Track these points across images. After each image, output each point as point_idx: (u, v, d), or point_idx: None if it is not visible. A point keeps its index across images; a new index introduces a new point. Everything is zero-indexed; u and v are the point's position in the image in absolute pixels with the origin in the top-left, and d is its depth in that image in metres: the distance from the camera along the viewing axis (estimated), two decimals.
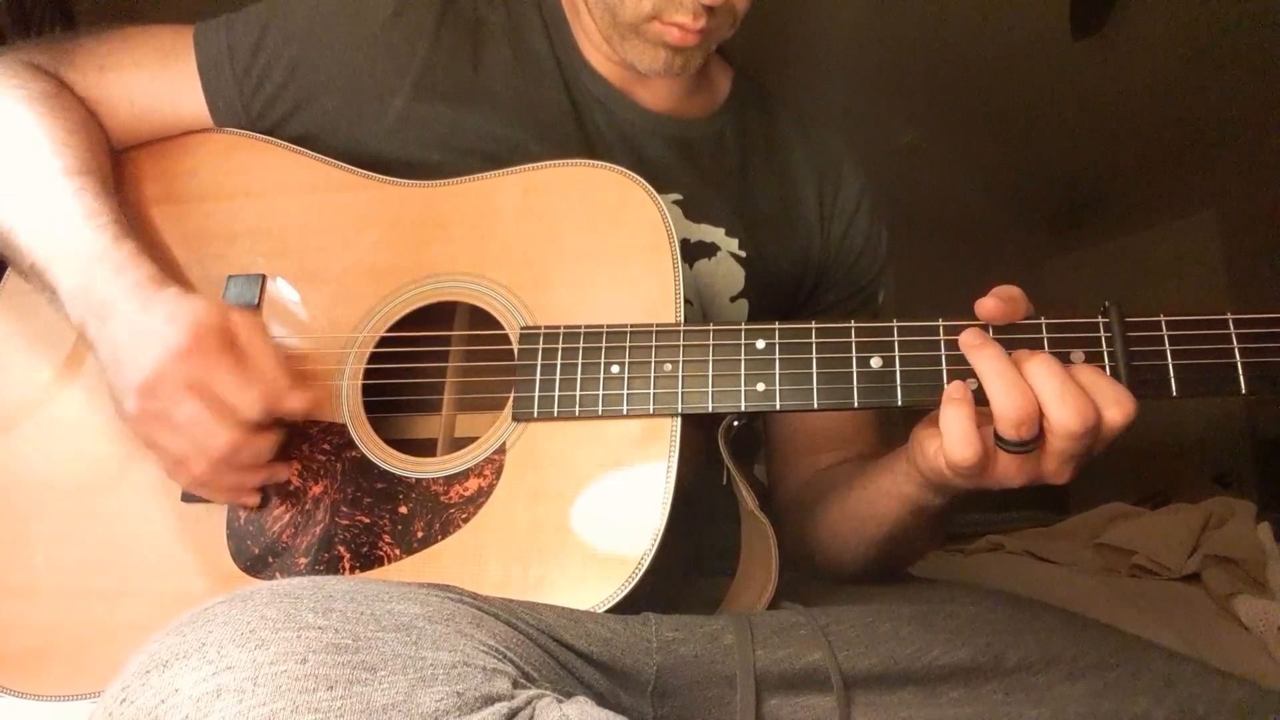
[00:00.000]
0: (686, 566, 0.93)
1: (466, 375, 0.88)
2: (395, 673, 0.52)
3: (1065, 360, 0.70)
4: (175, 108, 0.97)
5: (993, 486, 0.71)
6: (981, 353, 0.69)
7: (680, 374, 0.78)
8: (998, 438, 0.68)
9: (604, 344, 0.80)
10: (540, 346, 0.81)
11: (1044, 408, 0.66)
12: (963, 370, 0.71)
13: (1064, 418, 0.66)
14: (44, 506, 0.86)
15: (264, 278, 0.89)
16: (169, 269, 0.87)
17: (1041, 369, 0.67)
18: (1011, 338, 0.71)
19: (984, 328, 0.72)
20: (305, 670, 0.50)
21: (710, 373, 0.77)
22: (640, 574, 0.74)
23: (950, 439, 0.68)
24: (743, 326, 0.78)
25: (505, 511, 0.78)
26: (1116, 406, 0.66)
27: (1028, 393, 0.67)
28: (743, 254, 0.99)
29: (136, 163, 0.97)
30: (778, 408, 0.76)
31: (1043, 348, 0.70)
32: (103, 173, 0.90)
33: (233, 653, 0.51)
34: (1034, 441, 0.67)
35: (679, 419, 0.78)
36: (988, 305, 0.71)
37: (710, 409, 0.77)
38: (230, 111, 0.97)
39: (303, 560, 0.81)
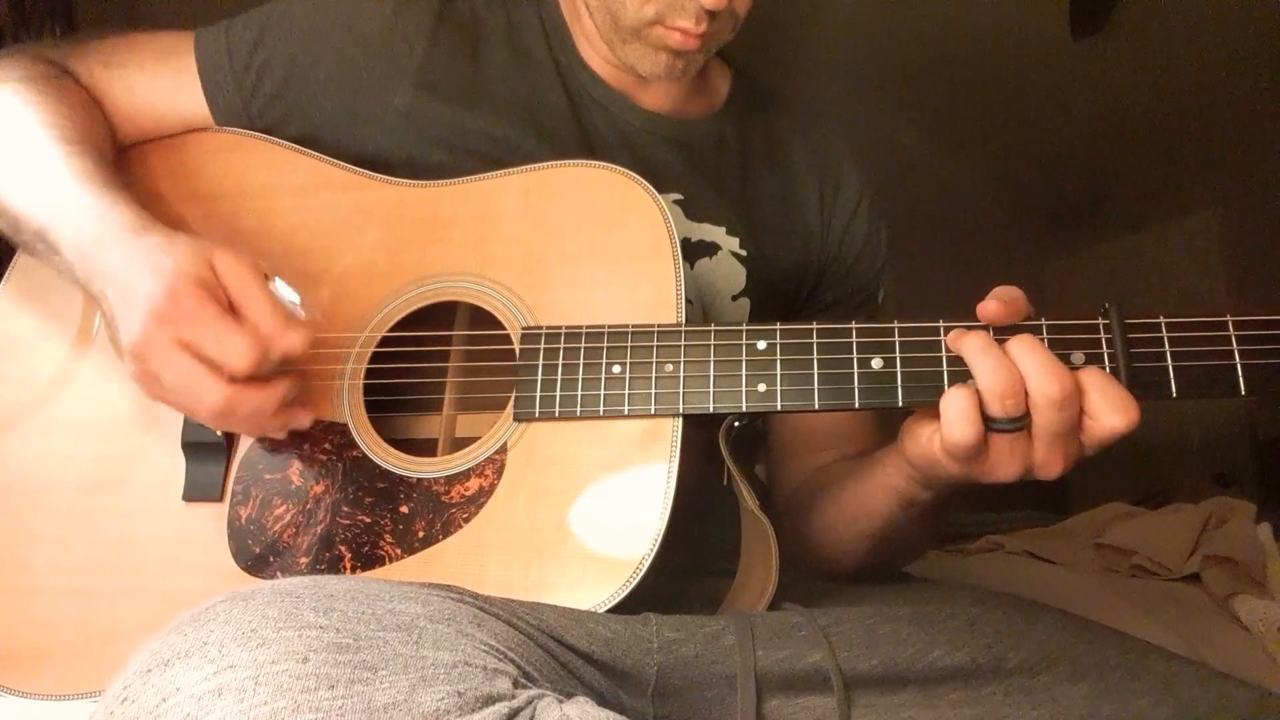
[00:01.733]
0: (687, 567, 0.93)
1: (468, 375, 0.88)
2: (396, 672, 0.52)
3: (1066, 361, 0.70)
4: (175, 106, 0.97)
5: (985, 479, 0.72)
6: (966, 339, 0.71)
7: (681, 374, 0.78)
8: (986, 419, 0.69)
9: (605, 344, 0.80)
10: (542, 347, 0.81)
11: (1025, 380, 0.68)
12: (963, 372, 0.71)
13: (1043, 386, 0.67)
14: (45, 505, 0.86)
15: (265, 277, 0.89)
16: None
17: (1023, 345, 0.69)
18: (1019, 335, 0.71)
19: (985, 329, 0.72)
20: (306, 669, 0.50)
21: (711, 373, 0.77)
22: (641, 574, 0.74)
23: (949, 418, 0.69)
24: (744, 327, 0.78)
25: (506, 511, 0.78)
26: (1121, 414, 0.67)
27: (1011, 367, 0.68)
28: (744, 253, 0.99)
29: (138, 161, 0.97)
30: (779, 408, 0.76)
31: (1120, 385, 0.70)
32: (98, 144, 0.90)
33: (234, 652, 0.51)
34: (1021, 419, 0.68)
35: (680, 419, 0.78)
36: (989, 307, 0.72)
37: (711, 409, 0.77)
38: (230, 110, 0.97)
39: (304, 560, 0.81)
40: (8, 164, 0.87)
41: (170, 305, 0.73)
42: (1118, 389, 0.68)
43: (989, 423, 0.69)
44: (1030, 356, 0.68)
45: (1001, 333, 0.72)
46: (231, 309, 0.75)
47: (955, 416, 0.69)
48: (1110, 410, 0.67)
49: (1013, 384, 0.68)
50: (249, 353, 0.74)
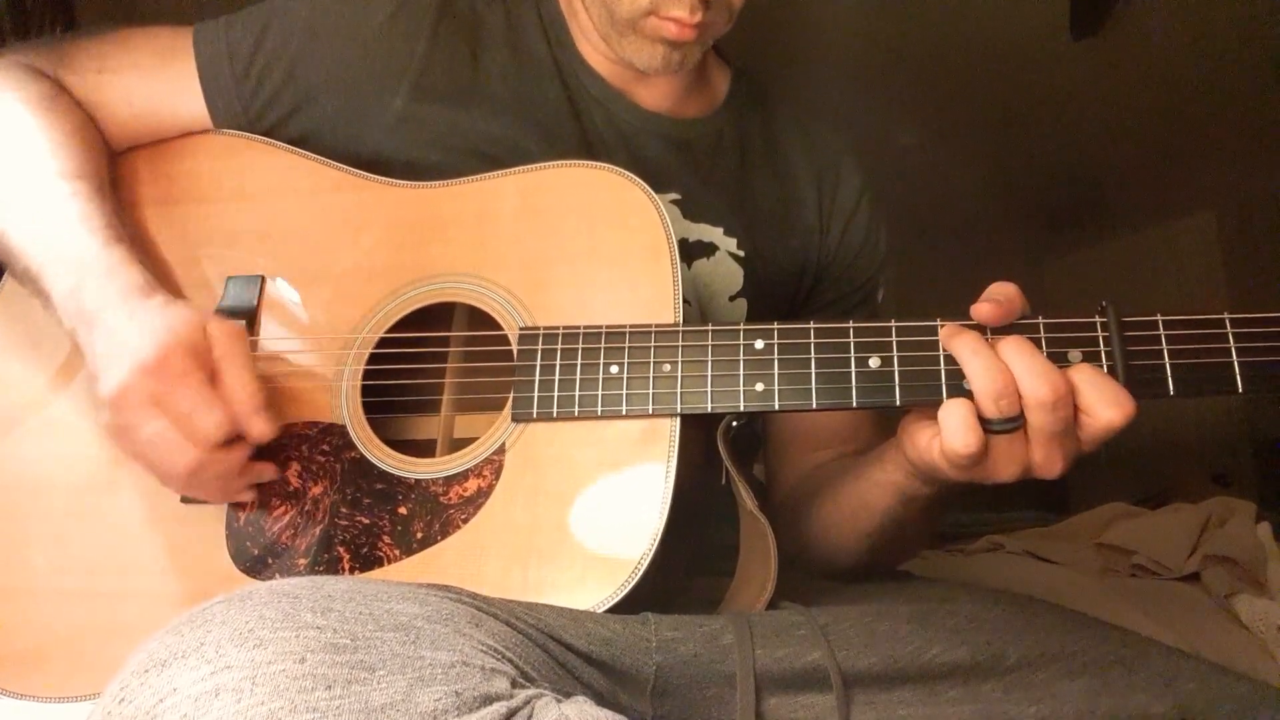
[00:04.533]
0: (686, 566, 0.93)
1: (466, 376, 0.88)
2: (394, 672, 0.52)
3: (1063, 360, 0.70)
4: (174, 109, 0.97)
5: (985, 480, 0.72)
6: (959, 339, 0.71)
7: (679, 374, 0.78)
8: (982, 421, 0.69)
9: (603, 344, 0.80)
10: (539, 347, 0.81)
11: (1017, 382, 0.68)
12: (961, 371, 0.71)
13: (1034, 389, 0.67)
14: (43, 507, 0.86)
15: (263, 279, 0.90)
16: (164, 273, 0.87)
17: (1012, 346, 0.69)
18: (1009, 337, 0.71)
19: (982, 330, 0.72)
20: (304, 670, 0.50)
21: (709, 373, 0.77)
22: (640, 574, 0.74)
23: (949, 429, 0.69)
24: (741, 327, 0.78)
25: (505, 512, 0.78)
26: (1116, 407, 0.67)
27: (1004, 368, 0.68)
28: (741, 253, 0.99)
29: (135, 165, 0.97)
30: (776, 408, 0.76)
31: (1040, 348, 0.70)
32: (99, 176, 0.90)
33: (231, 652, 0.51)
34: (1015, 420, 0.68)
35: (678, 419, 0.78)
36: (983, 309, 0.72)
37: (709, 409, 0.77)
38: (229, 112, 0.97)
39: (302, 561, 0.81)
40: (6, 196, 0.86)
41: (157, 363, 0.75)
42: (1111, 383, 0.68)
43: (985, 424, 0.69)
44: (1020, 358, 0.68)
45: (998, 333, 0.72)
46: (213, 377, 0.78)
47: (955, 427, 0.68)
48: (1105, 405, 0.67)
49: (1006, 385, 0.68)
50: (219, 428, 0.76)
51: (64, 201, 0.84)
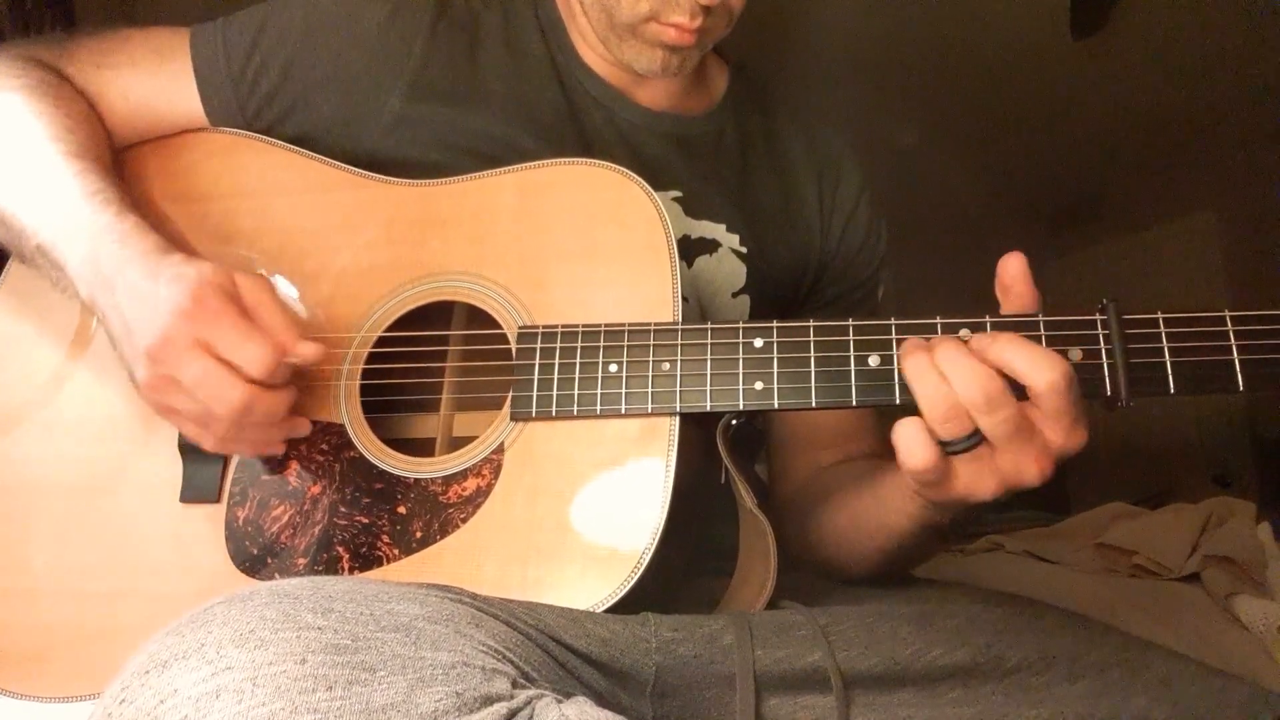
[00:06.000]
0: (685, 565, 0.93)
1: (464, 375, 0.88)
2: (394, 673, 0.52)
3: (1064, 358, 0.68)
4: (171, 106, 0.97)
5: (970, 499, 0.68)
6: (907, 361, 0.67)
7: (678, 373, 0.78)
8: (943, 444, 0.66)
9: (602, 343, 0.80)
10: (538, 346, 0.81)
11: (956, 394, 0.64)
12: None
13: (966, 394, 0.63)
14: (43, 508, 0.86)
15: (261, 277, 0.89)
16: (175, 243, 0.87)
17: (943, 354, 0.65)
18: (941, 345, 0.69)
19: (980, 326, 0.72)
20: (304, 670, 0.50)
21: (708, 371, 0.77)
22: (639, 573, 0.74)
23: (902, 450, 0.66)
24: (740, 325, 0.78)
25: (504, 511, 0.78)
26: (1050, 369, 0.63)
27: (946, 389, 0.64)
28: (743, 250, 0.99)
29: (133, 162, 0.97)
30: (775, 406, 0.76)
31: (1040, 345, 0.69)
32: (104, 159, 0.90)
33: (232, 653, 0.51)
34: (974, 437, 0.65)
35: (677, 418, 0.78)
36: (1011, 263, 0.70)
37: (708, 408, 0.77)
38: (226, 111, 0.97)
39: (301, 561, 0.81)
40: (14, 176, 0.87)
41: (194, 306, 0.75)
42: (1033, 345, 0.64)
43: (944, 446, 0.66)
44: (951, 366, 0.65)
45: (999, 329, 0.71)
46: (249, 317, 0.78)
47: (906, 445, 0.65)
48: (1038, 370, 0.63)
49: (950, 407, 0.64)
50: (266, 357, 0.76)
51: (74, 179, 0.85)
